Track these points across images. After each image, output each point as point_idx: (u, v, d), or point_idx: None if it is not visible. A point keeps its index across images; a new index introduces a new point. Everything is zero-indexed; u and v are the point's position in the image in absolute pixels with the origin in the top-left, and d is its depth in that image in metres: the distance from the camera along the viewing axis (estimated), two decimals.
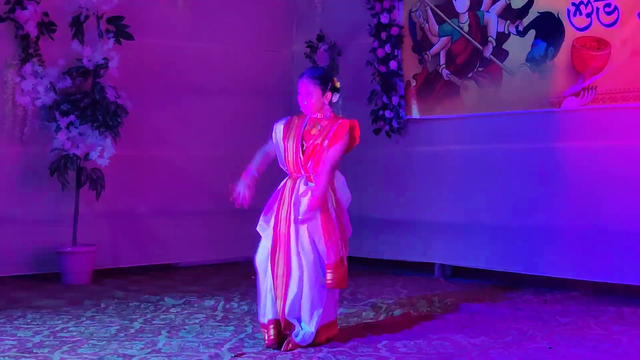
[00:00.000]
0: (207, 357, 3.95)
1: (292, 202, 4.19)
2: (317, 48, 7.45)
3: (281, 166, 4.36)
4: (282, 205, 4.23)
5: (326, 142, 4.20)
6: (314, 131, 4.26)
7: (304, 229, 4.16)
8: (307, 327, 4.19)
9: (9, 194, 6.30)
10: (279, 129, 4.34)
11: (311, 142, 4.23)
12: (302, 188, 4.22)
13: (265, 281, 4.25)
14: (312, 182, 4.21)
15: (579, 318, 4.89)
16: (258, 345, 4.22)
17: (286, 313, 4.17)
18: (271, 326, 4.20)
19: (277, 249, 4.20)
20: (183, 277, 6.72)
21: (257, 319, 4.39)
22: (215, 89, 7.28)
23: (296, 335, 4.16)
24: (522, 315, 4.98)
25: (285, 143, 4.28)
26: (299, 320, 4.20)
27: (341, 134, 4.23)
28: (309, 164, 4.22)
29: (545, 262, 5.93)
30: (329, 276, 4.16)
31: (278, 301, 4.18)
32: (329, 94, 4.29)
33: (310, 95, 4.27)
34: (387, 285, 6.27)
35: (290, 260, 4.17)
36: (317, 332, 4.19)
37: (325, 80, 4.29)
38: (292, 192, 4.22)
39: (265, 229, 4.28)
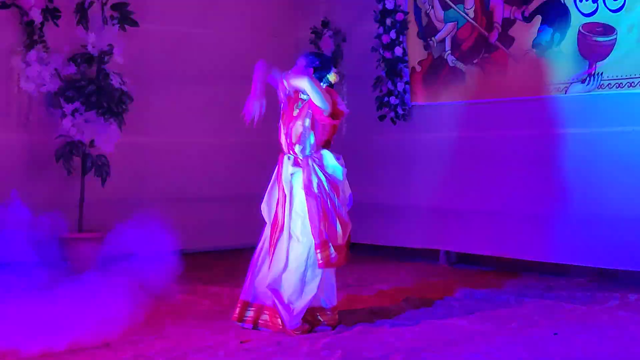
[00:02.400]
0: (213, 343, 3.97)
1: (283, 180, 4.38)
2: (322, 34, 7.43)
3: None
4: (276, 186, 4.44)
5: (307, 120, 4.36)
6: (295, 112, 4.43)
7: (299, 208, 4.29)
8: (293, 307, 4.25)
9: (15, 180, 6.29)
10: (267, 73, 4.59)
11: (292, 123, 4.40)
12: (290, 169, 4.37)
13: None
14: (299, 166, 4.34)
15: (584, 304, 4.90)
16: (265, 331, 4.23)
17: (267, 283, 4.28)
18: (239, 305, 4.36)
19: (276, 228, 4.36)
20: (189, 264, 6.72)
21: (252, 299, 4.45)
22: (220, 75, 7.26)
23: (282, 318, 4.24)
24: (527, 301, 4.98)
25: (281, 121, 4.49)
26: (280, 300, 4.24)
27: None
28: (296, 146, 4.37)
29: (550, 249, 5.92)
30: (318, 255, 4.25)
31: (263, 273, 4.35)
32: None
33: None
34: (392, 271, 6.28)
35: (281, 238, 4.33)
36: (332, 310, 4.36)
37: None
38: (281, 170, 4.41)
39: (266, 211, 4.48)
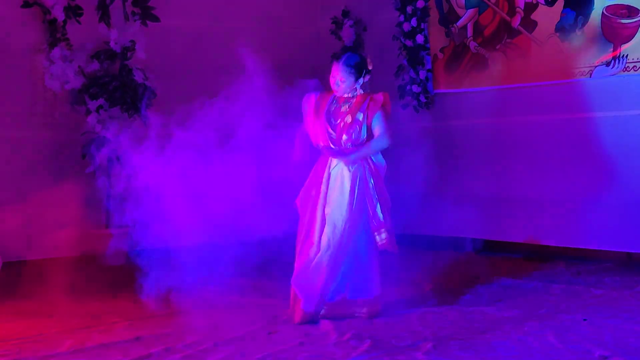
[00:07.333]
0: (242, 334, 3.99)
1: (325, 176, 4.33)
2: (343, 24, 7.41)
3: (313, 142, 4.41)
4: (320, 183, 4.38)
5: (360, 115, 4.30)
6: (344, 108, 4.35)
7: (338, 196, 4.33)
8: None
9: (42, 177, 6.36)
10: (308, 104, 4.42)
11: (341, 119, 4.32)
12: (334, 163, 4.34)
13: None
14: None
15: (613, 289, 4.86)
16: (291, 322, 4.25)
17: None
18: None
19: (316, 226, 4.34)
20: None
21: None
22: (242, 68, 7.27)
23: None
24: (556, 287, 4.96)
25: (313, 119, 4.37)
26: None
27: (376, 108, 4.31)
28: (344, 138, 4.30)
29: (577, 234, 5.89)
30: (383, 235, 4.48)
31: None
32: (360, 80, 4.36)
33: (344, 81, 4.34)
34: (418, 260, 6.26)
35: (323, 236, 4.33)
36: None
37: (360, 68, 4.34)
38: (326, 166, 4.36)
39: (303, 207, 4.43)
